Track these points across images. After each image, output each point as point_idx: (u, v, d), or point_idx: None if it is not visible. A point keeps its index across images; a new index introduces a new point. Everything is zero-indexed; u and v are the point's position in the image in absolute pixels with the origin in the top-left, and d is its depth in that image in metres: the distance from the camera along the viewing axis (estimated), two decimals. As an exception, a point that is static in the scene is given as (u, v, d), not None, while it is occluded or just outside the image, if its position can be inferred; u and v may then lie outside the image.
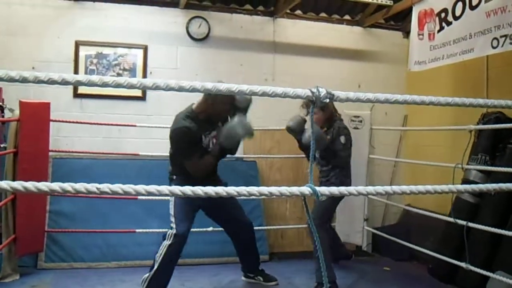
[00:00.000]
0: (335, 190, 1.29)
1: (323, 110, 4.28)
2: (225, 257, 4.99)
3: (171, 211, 3.87)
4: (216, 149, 3.86)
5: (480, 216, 4.34)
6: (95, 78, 1.20)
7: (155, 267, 3.76)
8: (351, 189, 1.34)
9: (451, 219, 4.30)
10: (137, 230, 4.81)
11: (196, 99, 5.34)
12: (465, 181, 4.45)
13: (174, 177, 3.94)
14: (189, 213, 3.91)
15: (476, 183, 4.47)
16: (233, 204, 4.17)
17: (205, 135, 3.88)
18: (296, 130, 4.28)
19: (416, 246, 4.85)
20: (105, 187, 1.14)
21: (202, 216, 4.97)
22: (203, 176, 3.80)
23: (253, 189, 1.22)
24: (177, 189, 1.20)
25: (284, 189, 1.25)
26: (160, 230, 4.84)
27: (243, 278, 4.52)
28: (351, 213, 5.36)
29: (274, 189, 1.24)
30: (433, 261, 4.69)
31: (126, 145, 5.21)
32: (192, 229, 4.76)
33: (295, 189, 1.25)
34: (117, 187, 1.15)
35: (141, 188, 1.19)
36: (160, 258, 3.74)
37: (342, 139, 4.23)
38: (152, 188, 1.19)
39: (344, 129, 4.33)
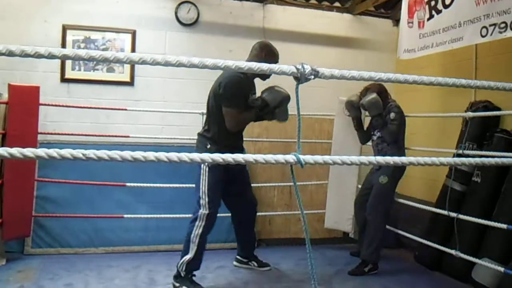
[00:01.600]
0: (319, 158, 1.29)
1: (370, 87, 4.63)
2: (213, 243, 4.99)
3: (202, 189, 3.88)
4: (258, 103, 3.92)
5: (466, 203, 4.38)
6: (81, 52, 1.19)
7: (194, 248, 3.83)
8: (336, 158, 1.34)
9: (443, 212, 4.33)
10: (125, 216, 4.80)
11: (182, 83, 5.38)
12: (454, 169, 4.50)
13: (209, 145, 3.93)
14: (219, 191, 3.99)
15: (464, 171, 4.51)
16: (247, 180, 4.34)
17: (250, 93, 4.00)
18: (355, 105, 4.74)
19: (404, 232, 4.88)
20: (91, 153, 1.13)
21: (190, 203, 4.99)
22: (239, 131, 4.00)
23: (239, 156, 1.22)
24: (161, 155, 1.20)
25: (270, 157, 1.25)
26: (148, 215, 4.86)
27: (235, 263, 4.55)
28: (341, 200, 5.37)
29: (259, 157, 1.24)
30: (420, 248, 4.74)
31: (114, 130, 5.17)
32: (180, 215, 4.80)
33: (280, 157, 1.25)
34: (103, 153, 1.14)
35: (151, 155, 1.19)
36: (197, 239, 3.82)
37: (392, 115, 4.52)
38: (173, 155, 1.19)
39: (395, 107, 4.57)
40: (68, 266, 4.32)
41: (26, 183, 4.51)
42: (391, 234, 5.07)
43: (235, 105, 3.82)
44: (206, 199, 3.85)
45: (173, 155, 1.18)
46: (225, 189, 4.07)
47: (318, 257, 4.89)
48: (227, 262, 4.57)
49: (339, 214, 5.37)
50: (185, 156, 1.19)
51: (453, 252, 4.09)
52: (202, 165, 3.87)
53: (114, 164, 4.99)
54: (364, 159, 1.39)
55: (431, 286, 4.33)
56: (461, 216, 4.09)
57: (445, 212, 4.25)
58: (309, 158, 1.28)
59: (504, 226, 3.59)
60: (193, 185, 4.80)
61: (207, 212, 3.83)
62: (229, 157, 1.21)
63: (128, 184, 4.81)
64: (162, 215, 4.87)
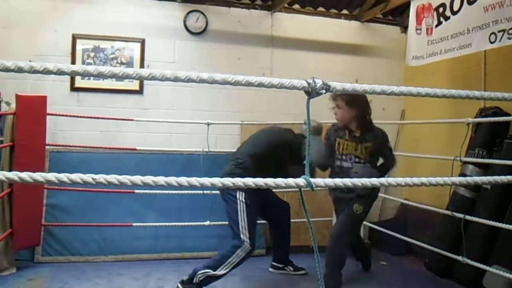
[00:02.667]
0: (330, 181, 1.29)
1: (350, 106, 4.00)
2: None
3: (242, 225, 3.94)
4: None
5: (476, 211, 4.35)
6: (90, 68, 1.20)
7: (224, 271, 3.86)
8: (346, 181, 1.34)
9: (448, 213, 4.31)
10: (134, 224, 4.82)
11: (191, 93, 5.40)
12: (462, 176, 4.46)
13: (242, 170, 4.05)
14: (256, 223, 4.11)
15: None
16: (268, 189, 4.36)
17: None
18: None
19: (413, 240, 4.86)
20: (101, 177, 1.14)
21: (199, 210, 4.99)
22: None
23: (249, 181, 1.22)
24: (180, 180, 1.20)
25: (280, 181, 1.25)
26: (157, 224, 4.87)
27: (270, 269, 4.63)
28: (348, 207, 5.35)
29: (269, 181, 1.24)
30: (430, 256, 4.70)
31: (123, 138, 5.20)
32: (189, 223, 4.82)
33: (290, 181, 1.25)
34: (113, 177, 1.14)
35: (161, 179, 1.20)
36: (231, 266, 3.87)
37: (390, 144, 4.31)
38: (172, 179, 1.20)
39: (385, 134, 4.22)
40: (78, 274, 4.33)
41: (35, 192, 4.53)
42: (400, 241, 5.04)
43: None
44: (248, 235, 3.91)
45: (183, 180, 1.18)
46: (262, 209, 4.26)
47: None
48: (236, 270, 4.55)
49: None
50: (195, 181, 1.19)
51: (460, 258, 4.06)
52: (238, 197, 3.97)
53: (123, 170, 5.00)
54: (375, 181, 1.39)
55: (441, 294, 4.31)
56: (468, 217, 4.06)
57: (456, 215, 4.21)
58: (319, 181, 1.28)
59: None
60: (202, 192, 4.83)
61: (250, 248, 3.90)
62: (239, 181, 1.22)
63: (137, 191, 4.83)
64: (171, 223, 4.88)
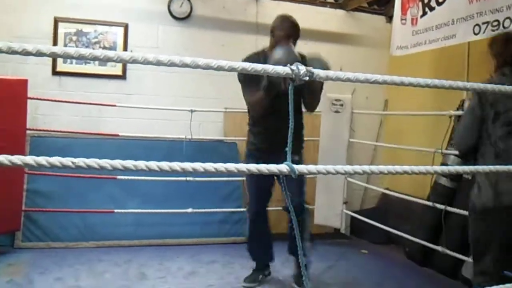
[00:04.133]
0: (312, 168, 1.29)
1: None
2: (205, 238, 5.01)
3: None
4: (264, 83, 3.50)
5: (457, 200, 4.40)
6: (71, 50, 1.17)
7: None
8: (330, 167, 1.34)
9: (429, 203, 4.35)
10: (115, 210, 4.79)
11: (175, 78, 5.36)
12: (443, 166, 4.50)
13: (248, 127, 3.99)
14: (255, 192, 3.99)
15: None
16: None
17: None
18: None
19: (394, 229, 4.90)
20: (80, 161, 1.12)
21: (182, 197, 4.98)
22: (262, 113, 3.68)
23: (231, 166, 1.21)
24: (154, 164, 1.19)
25: (262, 167, 1.24)
26: (139, 210, 4.85)
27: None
28: (330, 196, 5.39)
29: (252, 166, 1.23)
30: (410, 245, 4.75)
31: (105, 124, 5.15)
32: (171, 210, 4.81)
33: (272, 167, 1.24)
34: (92, 161, 1.12)
35: (142, 163, 1.17)
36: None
37: None
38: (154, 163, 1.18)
39: None
40: (59, 260, 4.30)
41: (15, 177, 4.48)
42: (381, 230, 5.09)
43: (244, 92, 3.77)
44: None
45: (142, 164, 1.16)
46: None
47: (309, 253, 4.91)
48: (218, 257, 4.57)
49: (328, 210, 5.38)
50: (176, 165, 1.18)
51: (439, 248, 4.11)
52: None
53: (105, 156, 4.96)
54: (358, 168, 1.39)
55: (421, 282, 4.36)
56: (449, 209, 4.10)
57: (437, 206, 4.25)
58: (302, 167, 1.28)
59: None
60: (185, 179, 4.80)
61: (247, 215, 4.05)
62: (222, 166, 1.20)
63: (119, 177, 4.79)
64: (154, 210, 4.86)
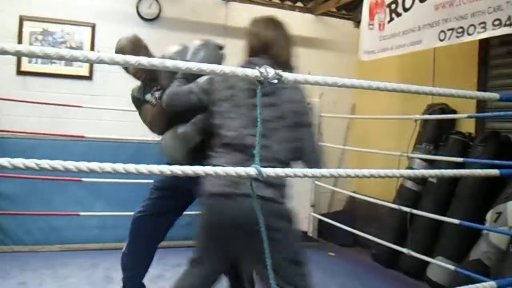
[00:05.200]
0: (280, 171, 1.29)
1: None
2: (171, 241, 4.95)
3: None
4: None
5: (422, 203, 4.48)
6: (36, 49, 1.15)
7: None
8: (298, 171, 1.34)
9: (395, 206, 4.40)
10: (81, 213, 4.70)
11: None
12: (409, 169, 4.58)
13: None
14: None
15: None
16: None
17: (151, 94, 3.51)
18: None
19: (361, 232, 4.96)
20: (45, 163, 1.09)
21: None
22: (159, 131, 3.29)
23: (199, 169, 1.20)
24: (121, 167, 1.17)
25: (230, 169, 1.23)
26: (105, 213, 4.77)
27: None
28: (298, 199, 5.37)
29: (220, 169, 1.23)
30: (376, 247, 4.81)
31: (72, 125, 5.06)
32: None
33: (240, 169, 1.23)
34: (57, 163, 1.10)
35: (95, 165, 1.15)
36: None
37: None
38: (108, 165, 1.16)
39: None
40: (22, 264, 4.21)
41: (-22, 179, 4.37)
42: (348, 233, 5.13)
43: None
44: None
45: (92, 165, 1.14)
46: None
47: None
48: (184, 260, 4.52)
49: (296, 214, 5.40)
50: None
51: (405, 250, 4.17)
52: None
53: (70, 158, 4.88)
54: (325, 171, 1.40)
55: (387, 284, 4.42)
56: (415, 211, 4.16)
57: (403, 209, 4.31)
58: (270, 171, 1.27)
59: (457, 221, 3.65)
60: (152, 181, 4.74)
61: None
62: (188, 169, 1.19)
63: (84, 179, 4.70)
64: (120, 213, 4.79)
